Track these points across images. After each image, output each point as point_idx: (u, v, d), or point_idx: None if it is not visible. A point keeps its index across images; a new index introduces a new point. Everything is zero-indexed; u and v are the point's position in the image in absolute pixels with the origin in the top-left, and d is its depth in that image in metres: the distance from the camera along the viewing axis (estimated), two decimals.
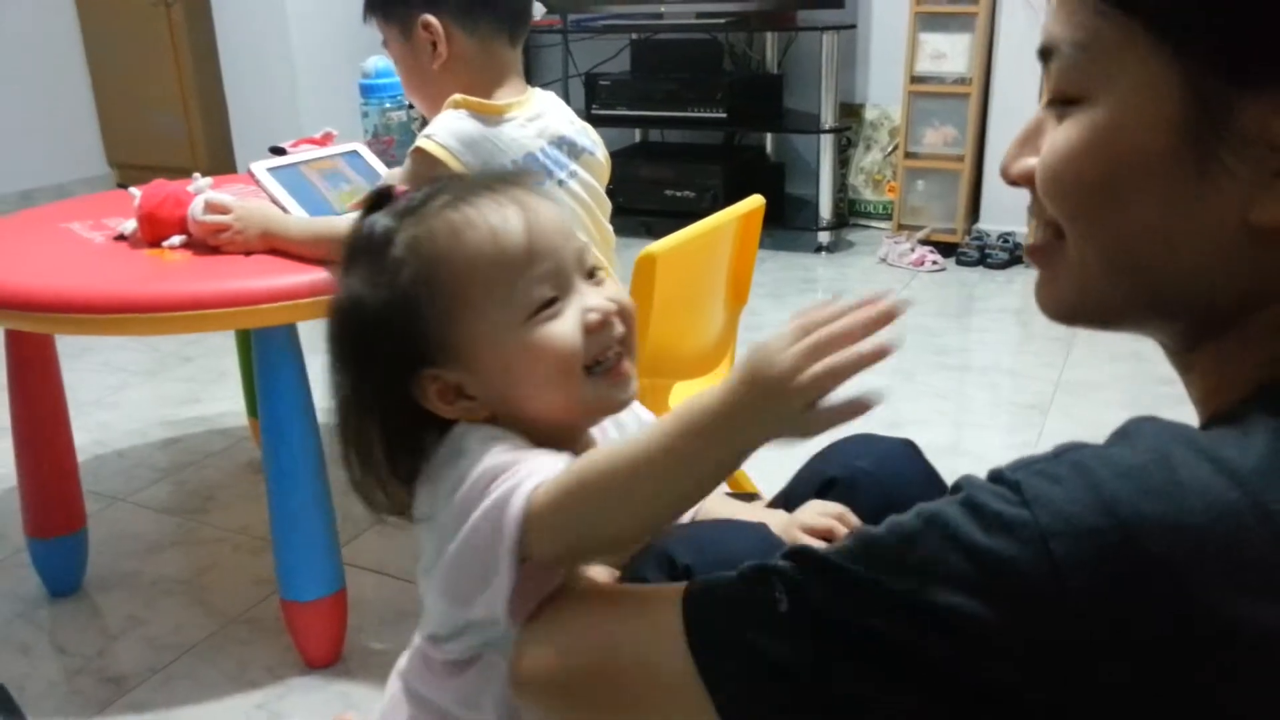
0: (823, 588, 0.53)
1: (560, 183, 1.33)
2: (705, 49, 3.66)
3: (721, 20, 3.49)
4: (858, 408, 0.58)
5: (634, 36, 3.72)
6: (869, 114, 3.66)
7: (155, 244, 1.38)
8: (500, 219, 0.73)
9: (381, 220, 0.76)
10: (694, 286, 1.39)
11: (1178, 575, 0.46)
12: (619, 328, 0.75)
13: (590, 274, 0.77)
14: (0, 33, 4.29)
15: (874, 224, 3.71)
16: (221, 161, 4.24)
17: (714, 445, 0.60)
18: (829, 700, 0.53)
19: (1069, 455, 0.50)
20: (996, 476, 0.51)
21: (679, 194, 3.44)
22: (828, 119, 3.36)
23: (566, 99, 4.19)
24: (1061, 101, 0.57)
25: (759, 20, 3.58)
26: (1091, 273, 0.57)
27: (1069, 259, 0.58)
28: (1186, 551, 0.46)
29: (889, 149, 3.63)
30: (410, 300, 0.72)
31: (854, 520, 0.83)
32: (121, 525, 1.86)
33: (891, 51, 3.49)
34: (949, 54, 3.28)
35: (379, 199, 0.79)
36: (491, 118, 1.29)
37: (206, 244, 1.35)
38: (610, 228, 1.44)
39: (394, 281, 0.73)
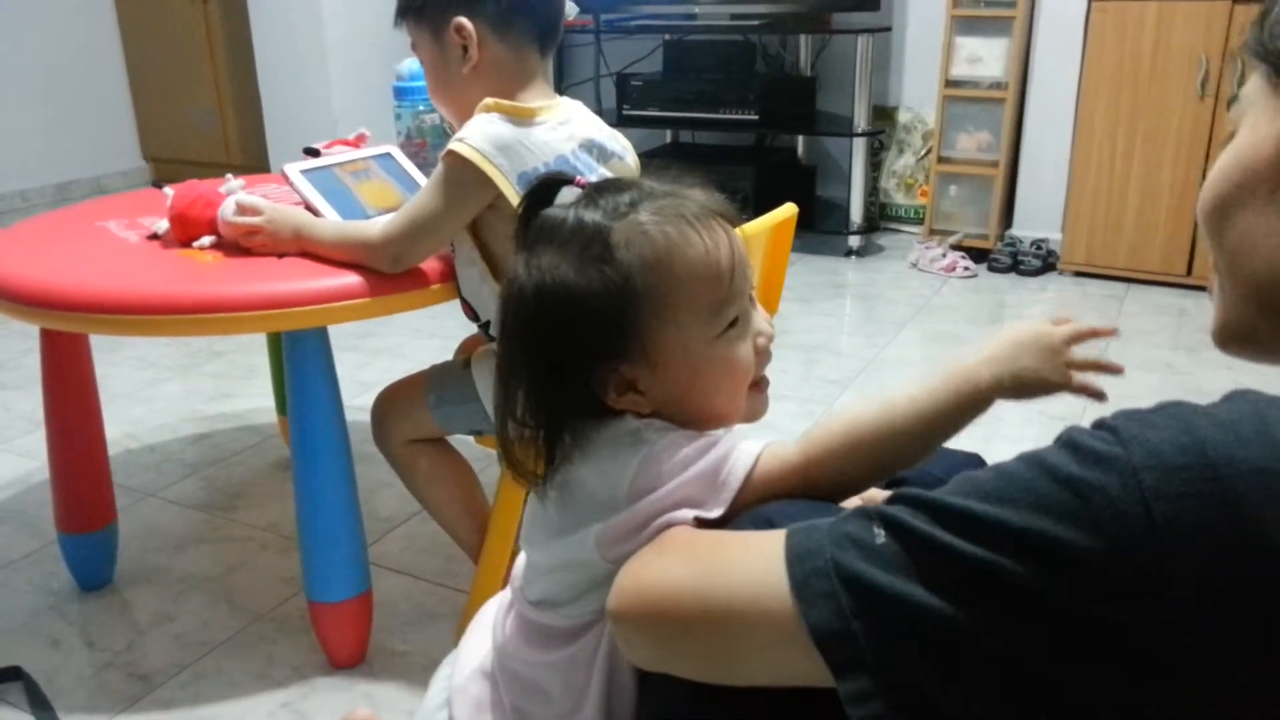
0: (917, 518, 0.56)
1: None
2: (738, 50, 3.64)
3: (755, 22, 3.47)
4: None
5: (666, 37, 3.72)
6: (902, 117, 3.63)
7: (186, 244, 1.39)
8: (713, 241, 0.79)
9: (590, 215, 0.79)
10: None
11: (1261, 518, 0.47)
12: (770, 351, 0.85)
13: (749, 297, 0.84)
14: (40, 28, 4.35)
15: (905, 228, 3.69)
16: (255, 158, 4.28)
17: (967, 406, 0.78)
18: (919, 625, 0.54)
19: (1169, 408, 0.54)
20: (1099, 424, 0.55)
21: None
22: (860, 122, 3.34)
23: (598, 99, 4.17)
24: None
25: (793, 22, 3.55)
26: (1228, 295, 0.62)
27: (1218, 287, 0.65)
28: (1272, 496, 0.48)
29: (922, 153, 3.60)
30: (626, 299, 0.77)
31: None
32: (151, 521, 1.88)
33: (926, 55, 3.47)
34: (985, 58, 3.25)
35: (549, 185, 0.84)
36: (523, 120, 1.28)
37: (237, 245, 1.35)
38: None
39: (614, 279, 0.77)
